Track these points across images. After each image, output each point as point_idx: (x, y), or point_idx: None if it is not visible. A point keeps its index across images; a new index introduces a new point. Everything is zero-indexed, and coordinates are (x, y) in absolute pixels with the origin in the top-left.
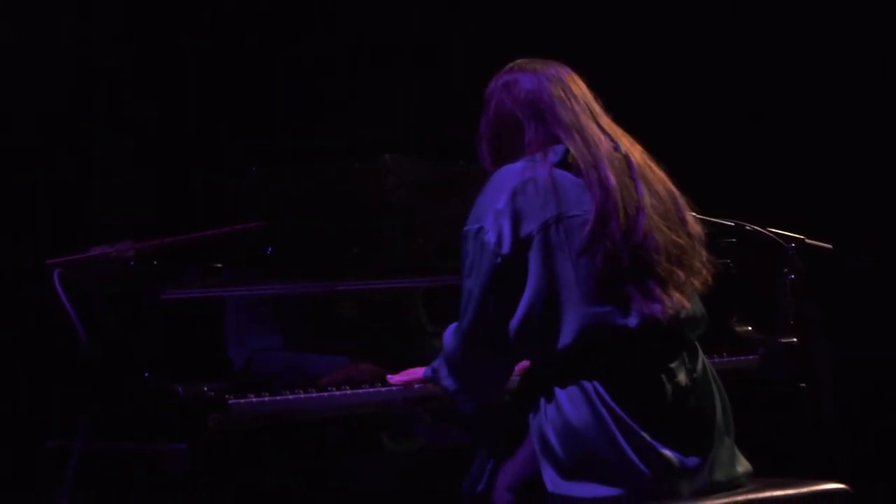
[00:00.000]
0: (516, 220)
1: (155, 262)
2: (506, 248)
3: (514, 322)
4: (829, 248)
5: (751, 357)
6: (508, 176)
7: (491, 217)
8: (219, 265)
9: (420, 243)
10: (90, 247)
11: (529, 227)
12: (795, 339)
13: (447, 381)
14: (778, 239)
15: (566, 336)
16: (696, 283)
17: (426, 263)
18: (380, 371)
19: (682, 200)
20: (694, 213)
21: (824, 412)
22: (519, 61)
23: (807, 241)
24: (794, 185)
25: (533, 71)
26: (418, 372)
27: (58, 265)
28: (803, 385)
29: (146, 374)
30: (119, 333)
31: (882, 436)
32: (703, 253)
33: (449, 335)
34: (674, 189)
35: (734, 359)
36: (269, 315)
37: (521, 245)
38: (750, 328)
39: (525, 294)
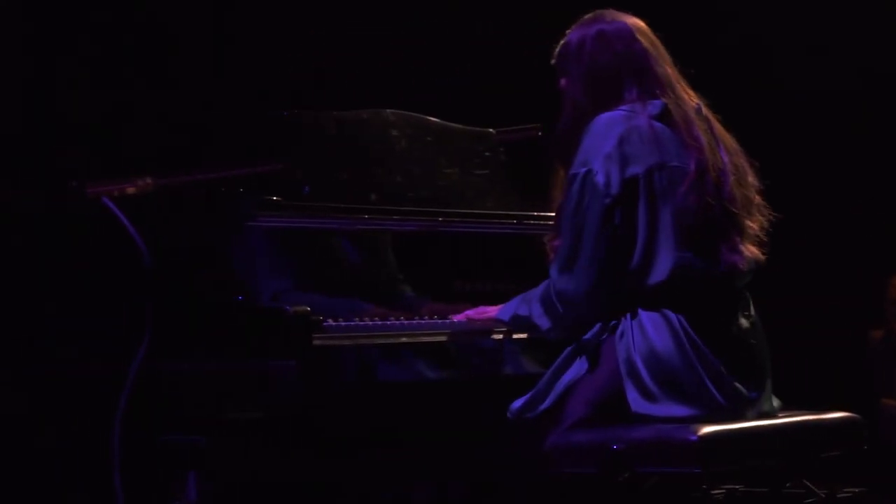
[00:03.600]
0: (624, 164)
1: (240, 190)
2: (615, 189)
3: (625, 261)
4: None
5: None
6: (613, 123)
7: (600, 160)
8: (276, 198)
9: (423, 195)
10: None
11: (635, 170)
12: None
13: (542, 321)
14: None
15: (659, 273)
16: (759, 230)
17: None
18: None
19: (743, 155)
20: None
21: None
22: (599, 11)
23: None
24: None
25: (619, 21)
26: (488, 311)
27: (102, 193)
28: None
29: (239, 297)
30: (196, 258)
31: None
32: (760, 200)
33: (562, 279)
34: (736, 143)
35: None
36: (290, 253)
37: (628, 187)
38: None
39: (636, 234)
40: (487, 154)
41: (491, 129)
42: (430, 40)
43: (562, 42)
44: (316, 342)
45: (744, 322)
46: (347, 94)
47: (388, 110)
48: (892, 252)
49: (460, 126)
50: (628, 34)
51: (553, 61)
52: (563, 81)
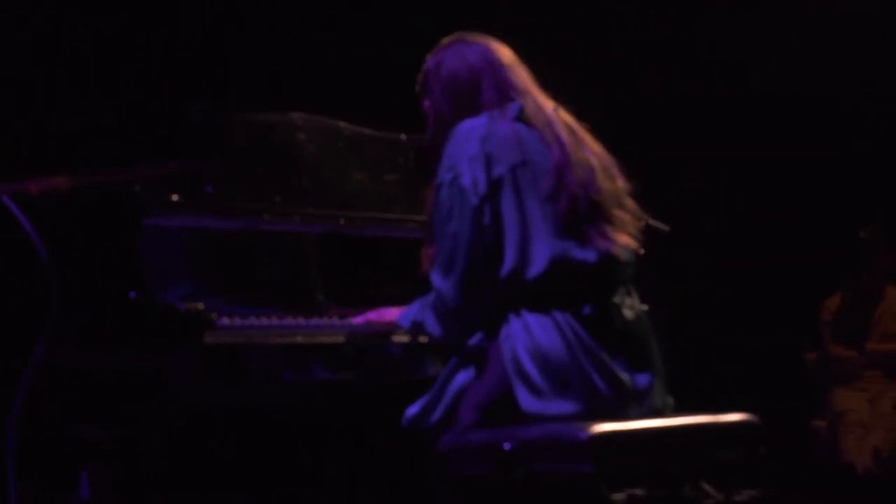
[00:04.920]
0: (488, 164)
1: (137, 188)
2: (482, 189)
3: (498, 259)
4: (666, 230)
5: None
6: (474, 127)
7: (465, 163)
8: (176, 197)
9: (330, 199)
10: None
11: (500, 169)
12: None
13: (434, 329)
14: None
15: (537, 266)
16: (630, 223)
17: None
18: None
19: (610, 158)
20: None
21: None
22: (459, 35)
23: (649, 220)
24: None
25: (478, 41)
26: (388, 314)
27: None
28: None
29: (132, 294)
30: (94, 256)
31: None
32: (632, 203)
33: (444, 284)
34: (603, 150)
35: None
36: (194, 252)
37: (494, 186)
38: None
39: (506, 232)
40: (398, 160)
41: (402, 135)
42: (344, 44)
43: (423, 68)
44: (208, 340)
45: (628, 313)
46: (257, 97)
47: (296, 114)
48: (825, 275)
49: (371, 131)
50: (485, 48)
51: (416, 88)
52: (425, 103)
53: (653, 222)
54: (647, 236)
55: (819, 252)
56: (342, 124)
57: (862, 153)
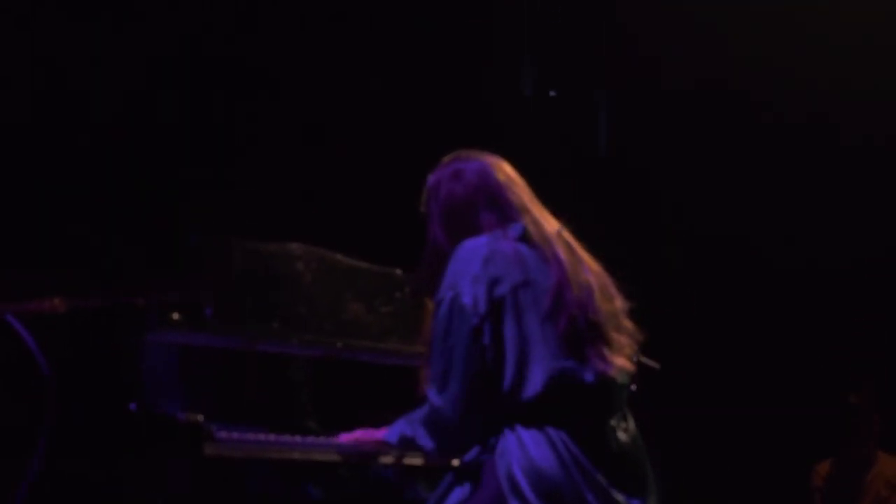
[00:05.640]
0: (490, 285)
1: (142, 302)
2: (482, 309)
3: (496, 377)
4: (657, 367)
5: None
6: (477, 247)
7: (467, 282)
8: (176, 316)
9: (326, 327)
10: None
11: (502, 289)
12: None
13: (426, 442)
14: None
15: (534, 386)
16: (627, 345)
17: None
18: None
19: (608, 278)
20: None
21: None
22: (457, 153)
23: (641, 358)
24: None
25: (475, 159)
26: (371, 434)
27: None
28: None
29: (132, 406)
30: (94, 368)
31: None
32: (629, 324)
33: (440, 401)
34: (600, 268)
35: None
36: (195, 370)
37: (495, 306)
38: None
39: (506, 351)
40: (394, 293)
41: (398, 270)
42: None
43: (425, 187)
44: (207, 451)
45: (622, 436)
46: (259, 226)
47: (294, 244)
48: (816, 440)
49: (367, 265)
50: (483, 167)
51: (422, 209)
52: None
53: (644, 360)
54: (638, 373)
55: (809, 417)
56: (339, 256)
57: (852, 319)
